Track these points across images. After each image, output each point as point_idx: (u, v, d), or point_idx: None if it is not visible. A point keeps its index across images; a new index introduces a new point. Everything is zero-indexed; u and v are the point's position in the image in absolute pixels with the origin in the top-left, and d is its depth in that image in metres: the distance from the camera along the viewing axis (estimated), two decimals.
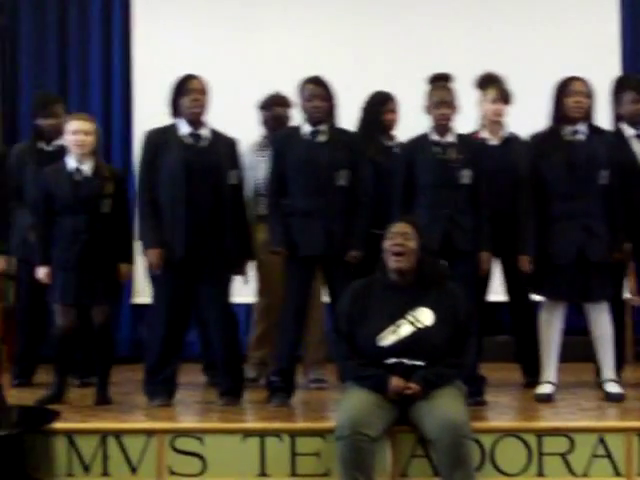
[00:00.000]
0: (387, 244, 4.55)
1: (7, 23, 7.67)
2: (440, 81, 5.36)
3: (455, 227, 5.22)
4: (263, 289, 6.13)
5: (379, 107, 5.83)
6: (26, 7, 7.69)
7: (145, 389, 5.34)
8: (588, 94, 5.31)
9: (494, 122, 5.80)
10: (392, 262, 4.53)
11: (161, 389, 5.23)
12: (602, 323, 5.33)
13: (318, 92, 5.25)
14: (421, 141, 5.34)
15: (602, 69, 6.42)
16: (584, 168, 5.25)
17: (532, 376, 5.78)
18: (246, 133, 6.04)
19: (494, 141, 5.79)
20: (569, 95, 5.29)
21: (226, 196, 5.22)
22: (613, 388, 5.29)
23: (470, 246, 5.24)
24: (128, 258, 5.36)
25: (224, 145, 5.30)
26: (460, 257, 5.20)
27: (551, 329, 5.35)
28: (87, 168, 5.30)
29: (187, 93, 5.20)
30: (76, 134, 5.28)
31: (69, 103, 7.43)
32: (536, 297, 5.62)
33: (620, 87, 5.75)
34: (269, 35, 7.49)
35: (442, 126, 5.28)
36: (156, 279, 5.33)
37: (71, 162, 5.32)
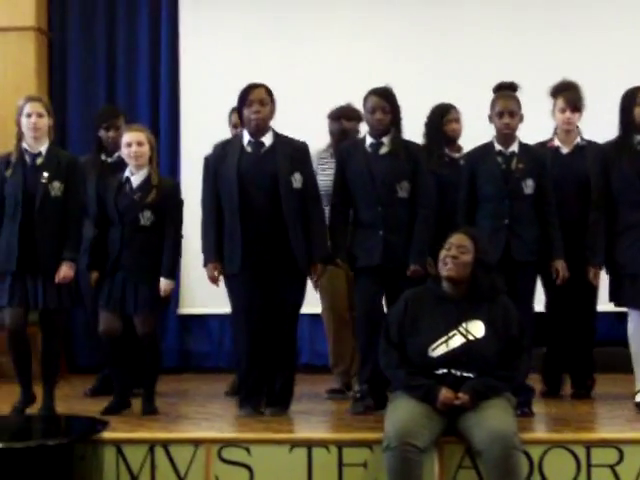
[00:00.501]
0: (442, 254, 4.55)
1: (56, 37, 7.77)
2: (505, 90, 5.36)
3: (515, 238, 5.20)
4: (324, 298, 6.12)
5: (440, 119, 5.81)
6: (75, 22, 7.80)
7: (237, 398, 5.35)
8: None
9: (565, 130, 5.79)
10: (444, 270, 4.53)
11: (248, 399, 5.22)
12: None
13: (381, 104, 5.24)
14: (485, 151, 5.35)
15: None
16: None
17: (580, 388, 5.76)
18: None
19: (565, 149, 5.77)
20: (638, 105, 5.29)
21: (288, 201, 5.16)
22: None
23: (530, 257, 5.22)
24: (166, 273, 5.32)
25: (289, 149, 5.24)
26: (520, 268, 5.19)
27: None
28: (136, 180, 5.35)
29: (248, 104, 5.20)
30: (130, 146, 5.33)
31: None
32: (599, 308, 5.66)
33: None
34: (322, 46, 7.53)
35: (505, 135, 5.27)
36: (229, 290, 5.32)
37: (126, 173, 5.39)
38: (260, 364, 5.23)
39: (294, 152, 5.26)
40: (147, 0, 7.80)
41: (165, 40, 7.76)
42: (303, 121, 6.40)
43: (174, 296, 7.32)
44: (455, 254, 4.51)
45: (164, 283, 5.30)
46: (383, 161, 5.25)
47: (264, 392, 5.28)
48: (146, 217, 5.30)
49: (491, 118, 5.30)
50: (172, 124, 7.71)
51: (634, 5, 7.38)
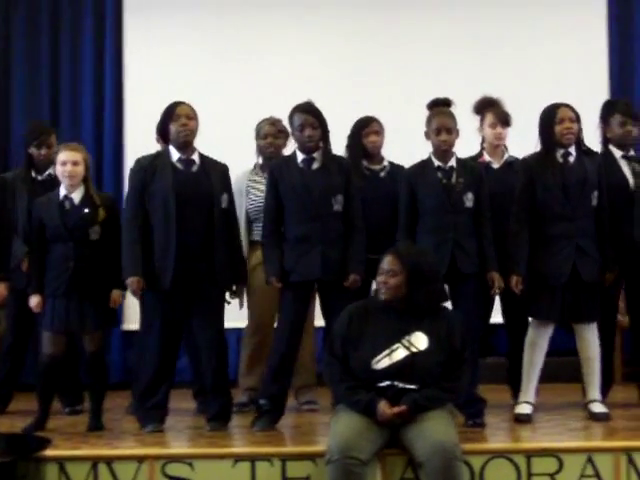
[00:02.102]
0: (377, 278, 4.59)
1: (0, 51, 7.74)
2: (440, 106, 5.41)
3: (459, 250, 5.25)
4: (252, 315, 6.15)
5: (359, 131, 5.83)
6: (18, 35, 7.74)
7: (137, 415, 5.37)
8: (575, 119, 5.38)
9: (494, 146, 5.90)
10: (380, 295, 4.57)
11: (153, 415, 5.25)
12: (592, 343, 5.38)
13: (309, 121, 5.26)
14: (424, 167, 5.39)
15: (590, 92, 6.47)
16: (576, 190, 5.32)
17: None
18: (242, 160, 6.13)
19: (496, 164, 5.88)
20: (558, 123, 5.36)
21: (218, 221, 5.23)
22: (599, 408, 5.34)
23: (474, 269, 5.27)
24: (119, 284, 5.34)
25: (215, 170, 5.32)
26: (464, 280, 5.24)
27: (537, 350, 5.39)
28: (76, 196, 5.35)
29: (176, 119, 5.24)
30: (65, 165, 5.33)
31: (61, 132, 7.50)
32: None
33: (608, 110, 5.84)
34: (265, 62, 7.58)
35: (443, 152, 5.32)
36: (147, 305, 5.32)
37: (62, 191, 5.38)
38: (164, 383, 5.26)
39: (221, 173, 5.34)
40: (91, 14, 7.77)
41: (110, 54, 7.73)
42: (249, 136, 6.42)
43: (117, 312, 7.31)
44: (384, 280, 4.53)
45: (116, 293, 5.33)
46: (317, 176, 5.27)
47: (167, 408, 5.31)
48: (95, 232, 5.32)
49: (427, 135, 5.35)
50: (116, 138, 7.69)
51: (562, 21, 7.54)
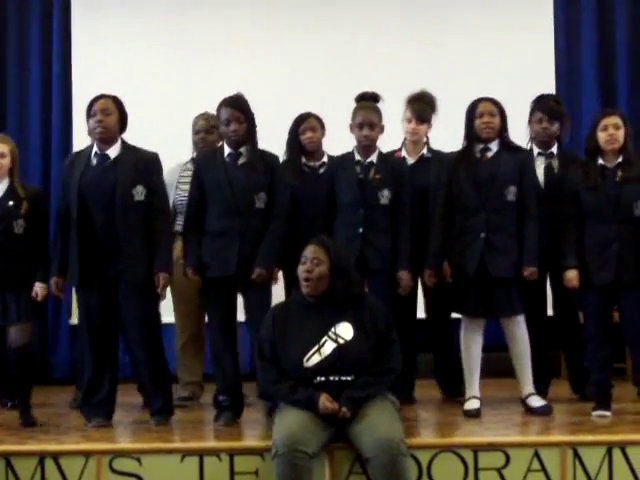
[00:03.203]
0: (299, 269, 4.56)
1: None
2: (366, 101, 5.40)
3: (368, 246, 5.27)
4: (178, 308, 6.16)
5: (296, 128, 5.81)
6: None
7: (82, 410, 5.33)
8: (496, 113, 5.39)
9: (412, 141, 5.88)
10: (303, 288, 4.55)
11: (97, 410, 5.22)
12: (518, 338, 5.39)
13: (235, 115, 5.17)
14: (345, 160, 5.41)
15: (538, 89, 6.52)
16: (488, 184, 5.31)
17: (448, 393, 5.90)
18: (184, 155, 6.12)
19: (411, 160, 5.88)
20: (477, 116, 5.38)
21: (122, 214, 5.08)
22: (537, 402, 5.37)
23: (384, 265, 5.29)
24: (42, 278, 5.28)
25: (133, 160, 5.17)
26: (374, 276, 5.26)
27: (471, 345, 5.40)
28: (0, 189, 5.33)
29: (92, 114, 5.16)
30: None
31: (7, 124, 7.46)
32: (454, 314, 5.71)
33: (533, 108, 5.90)
34: (209, 58, 7.59)
35: (364, 147, 5.33)
36: (79, 301, 5.31)
37: None
38: (106, 377, 5.24)
39: (139, 163, 5.18)
40: (38, 9, 7.75)
41: (57, 47, 7.70)
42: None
43: (65, 306, 7.26)
44: (309, 268, 4.51)
45: (41, 287, 5.26)
46: (241, 171, 5.18)
47: (114, 403, 5.29)
48: (19, 225, 5.28)
49: (352, 128, 5.35)
50: (63, 133, 7.65)
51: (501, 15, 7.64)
